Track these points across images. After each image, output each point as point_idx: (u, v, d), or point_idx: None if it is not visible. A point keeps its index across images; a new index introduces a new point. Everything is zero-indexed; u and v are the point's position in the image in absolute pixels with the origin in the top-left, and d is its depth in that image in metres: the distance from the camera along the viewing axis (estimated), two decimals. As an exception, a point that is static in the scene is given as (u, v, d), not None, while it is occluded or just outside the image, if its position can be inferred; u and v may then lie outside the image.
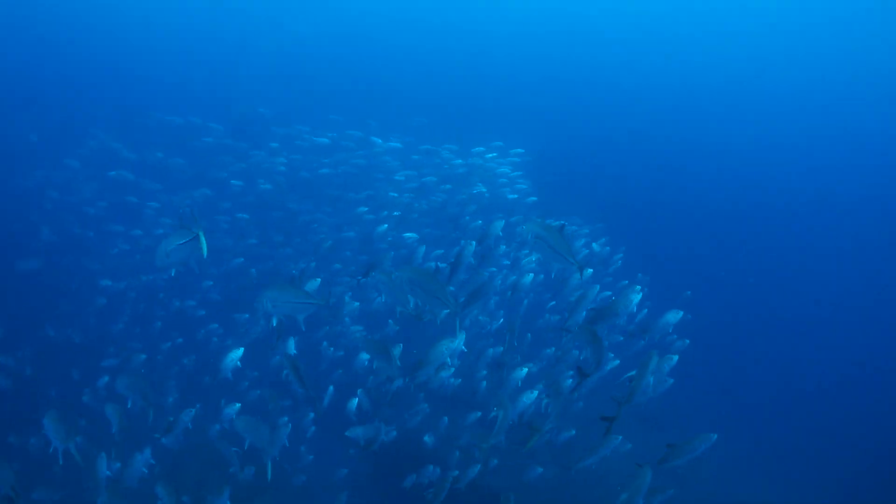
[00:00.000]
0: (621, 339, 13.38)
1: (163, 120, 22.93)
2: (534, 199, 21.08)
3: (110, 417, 9.05)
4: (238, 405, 10.36)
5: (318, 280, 10.89)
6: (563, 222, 7.83)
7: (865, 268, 29.40)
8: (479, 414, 11.08)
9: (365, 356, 11.56)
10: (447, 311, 12.65)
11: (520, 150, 23.39)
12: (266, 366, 12.87)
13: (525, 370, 10.10)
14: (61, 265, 17.11)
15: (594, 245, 16.29)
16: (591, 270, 11.81)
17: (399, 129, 24.82)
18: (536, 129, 29.62)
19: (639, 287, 8.43)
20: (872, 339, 23.99)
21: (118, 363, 12.74)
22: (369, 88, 35.35)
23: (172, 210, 19.22)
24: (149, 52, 40.42)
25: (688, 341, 10.39)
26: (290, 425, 9.74)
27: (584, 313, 10.05)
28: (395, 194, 20.33)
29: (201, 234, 7.35)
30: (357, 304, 12.70)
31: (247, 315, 14.28)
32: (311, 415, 11.19)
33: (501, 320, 13.65)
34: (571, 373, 11.20)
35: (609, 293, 15.81)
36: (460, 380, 11.68)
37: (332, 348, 13.24)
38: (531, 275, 11.46)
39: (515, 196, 20.93)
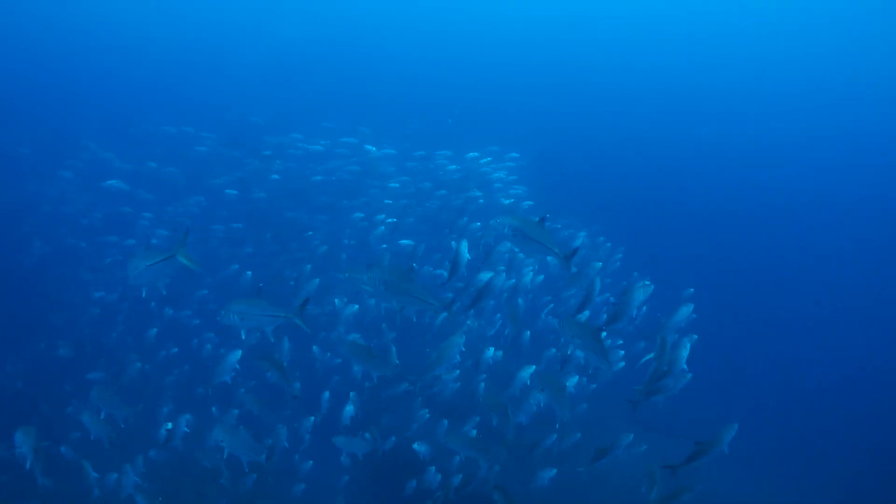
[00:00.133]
0: (620, 342, 13.28)
1: (155, 130, 22.83)
2: (530, 203, 20.97)
3: (88, 427, 8.99)
4: (236, 411, 10.20)
5: (316, 280, 10.78)
6: (544, 215, 7.72)
7: (865, 268, 29.35)
8: (478, 419, 10.91)
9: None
10: (444, 313, 12.55)
11: (514, 155, 23.37)
12: (263, 374, 12.67)
13: (533, 368, 10.00)
14: (54, 277, 16.90)
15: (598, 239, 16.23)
16: (601, 264, 11.72)
17: (393, 135, 24.80)
18: (531, 133, 29.60)
19: (648, 282, 8.30)
20: (872, 339, 23.90)
21: (105, 375, 12.53)
22: (362, 95, 35.31)
23: (167, 220, 19.15)
24: (139, 62, 40.39)
25: (696, 336, 10.23)
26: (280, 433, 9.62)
27: (587, 312, 9.97)
28: (390, 201, 20.23)
29: (180, 256, 7.49)
30: (356, 306, 12.51)
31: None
32: (312, 419, 11.00)
33: (499, 323, 13.49)
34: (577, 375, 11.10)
35: (608, 295, 15.87)
36: (459, 383, 11.52)
37: (328, 353, 13.08)
38: (531, 274, 11.36)
39: (511, 201, 20.82)
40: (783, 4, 48.11)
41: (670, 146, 35.87)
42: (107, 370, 13.31)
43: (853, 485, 15.06)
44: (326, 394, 11.01)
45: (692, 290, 11.61)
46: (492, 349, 11.26)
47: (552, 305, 15.09)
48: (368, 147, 22.64)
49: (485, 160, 22.53)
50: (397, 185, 21.04)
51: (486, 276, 10.14)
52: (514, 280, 12.40)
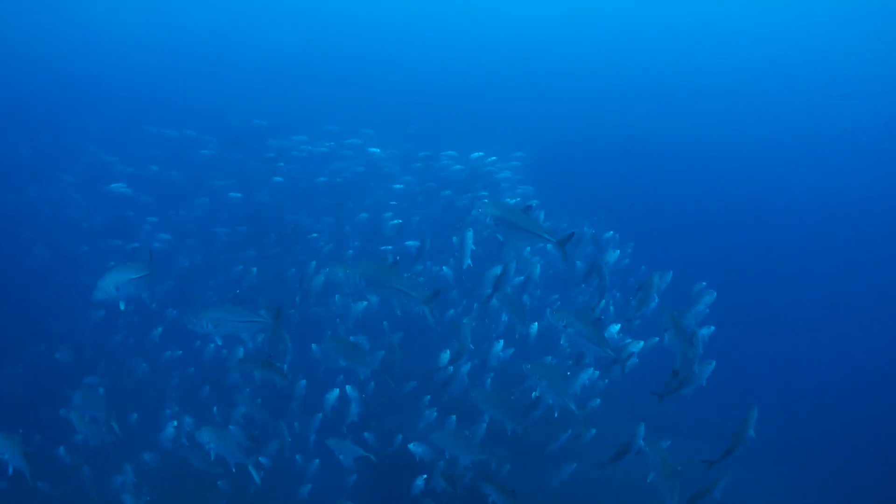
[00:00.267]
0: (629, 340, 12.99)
1: (157, 133, 22.76)
2: (536, 201, 20.73)
3: (77, 428, 8.89)
4: (243, 409, 9.98)
5: (321, 278, 10.56)
6: (530, 203, 7.46)
7: (865, 267, 28.98)
8: (488, 418, 10.65)
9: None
10: (451, 311, 12.31)
11: (520, 154, 23.19)
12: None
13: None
14: (54, 280, 16.76)
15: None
16: (618, 252, 11.48)
17: (396, 136, 24.69)
18: (536, 132, 29.51)
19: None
20: (873, 338, 23.50)
21: (101, 380, 12.37)
22: (365, 97, 35.27)
23: (170, 224, 19.06)
24: (140, 65, 40.47)
25: (713, 328, 10.04)
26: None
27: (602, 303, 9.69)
28: (395, 202, 20.06)
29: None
30: (364, 304, 12.28)
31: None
32: (320, 415, 10.78)
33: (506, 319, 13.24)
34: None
35: (615, 291, 15.62)
36: (468, 380, 11.27)
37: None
38: (538, 268, 11.14)
39: (517, 199, 20.61)
40: (782, 4, 48.07)
41: (674, 143, 35.76)
42: (108, 373, 13.15)
43: (853, 485, 14.75)
44: (336, 391, 10.76)
45: (704, 283, 11.35)
46: (501, 342, 11.02)
47: (559, 303, 14.86)
48: (373, 149, 22.51)
49: (490, 159, 22.37)
50: (401, 185, 20.87)
51: (498, 268, 9.87)
52: (522, 277, 12.22)
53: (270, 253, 17.73)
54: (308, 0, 51.72)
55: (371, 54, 47.55)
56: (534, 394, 9.51)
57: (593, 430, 10.60)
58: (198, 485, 10.10)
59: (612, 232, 16.16)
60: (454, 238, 12.92)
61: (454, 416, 10.31)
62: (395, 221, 18.11)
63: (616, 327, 11.92)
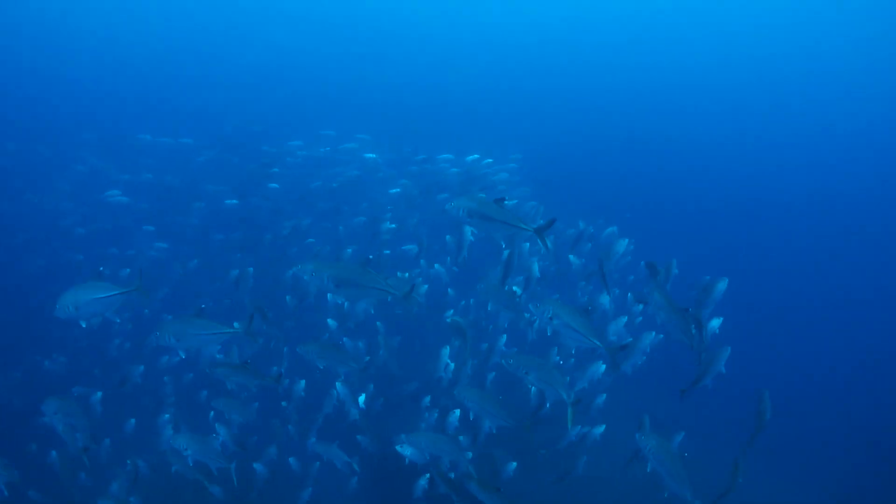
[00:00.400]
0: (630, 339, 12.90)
1: (152, 142, 22.73)
2: (533, 203, 20.68)
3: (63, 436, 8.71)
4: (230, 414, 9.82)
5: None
6: (503, 196, 7.39)
7: (865, 265, 28.93)
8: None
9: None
10: (451, 312, 12.17)
11: (517, 156, 23.17)
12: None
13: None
14: (50, 288, 16.62)
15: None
16: (627, 240, 11.42)
17: (393, 140, 24.65)
18: (533, 133, 29.51)
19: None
20: (874, 337, 23.39)
21: (88, 390, 12.18)
22: (361, 102, 35.27)
23: (166, 232, 18.99)
24: (133, 73, 40.42)
25: (722, 318, 9.97)
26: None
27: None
28: (391, 206, 19.99)
29: (136, 291, 7.25)
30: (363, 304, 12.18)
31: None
32: (319, 419, 10.66)
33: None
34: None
35: (617, 290, 15.52)
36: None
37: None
38: (536, 265, 11.05)
39: (515, 201, 20.53)
40: (780, 3, 48.25)
41: (673, 142, 35.78)
42: (106, 379, 13.00)
43: (853, 484, 14.62)
44: (338, 385, 10.62)
45: (708, 277, 11.28)
46: (504, 336, 10.92)
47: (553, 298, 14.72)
48: (369, 155, 22.49)
49: (486, 161, 22.36)
50: (398, 189, 20.80)
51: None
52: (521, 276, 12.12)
53: (266, 257, 17.62)
54: (303, 4, 51.75)
55: (366, 58, 47.63)
56: (532, 389, 9.35)
57: (602, 426, 10.49)
58: (193, 491, 9.95)
59: (614, 227, 16.12)
60: (447, 237, 12.92)
61: (458, 411, 10.17)
62: (391, 226, 18.06)
63: (623, 320, 11.88)
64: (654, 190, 29.37)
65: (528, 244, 12.09)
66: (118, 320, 7.71)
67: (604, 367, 10.68)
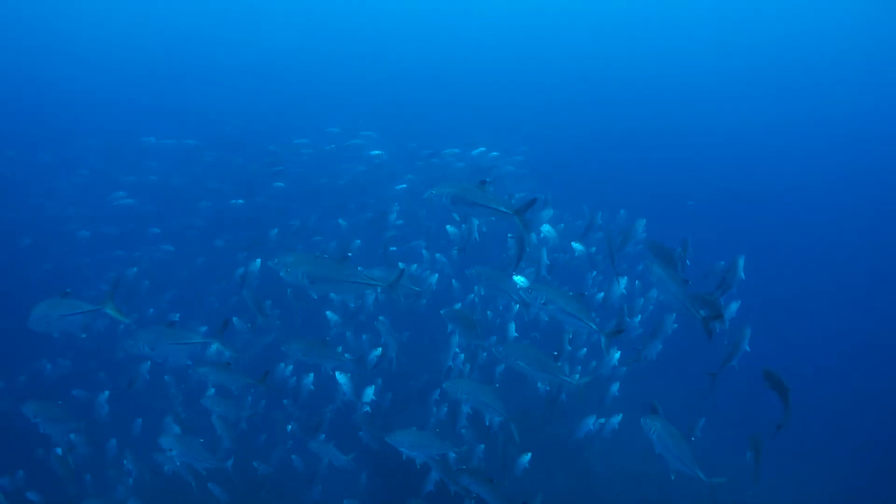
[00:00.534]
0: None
1: (157, 143, 22.72)
2: (542, 195, 20.45)
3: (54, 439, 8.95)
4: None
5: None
6: (485, 179, 7.30)
7: (867, 263, 28.44)
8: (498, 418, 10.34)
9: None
10: (459, 306, 11.91)
11: (524, 148, 23.02)
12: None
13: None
14: (57, 291, 16.56)
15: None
16: (644, 220, 11.31)
17: (399, 135, 24.54)
18: (539, 126, 29.32)
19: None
20: (875, 335, 22.94)
21: (88, 393, 12.15)
22: (366, 98, 35.21)
23: (171, 231, 18.94)
24: (137, 74, 40.52)
25: (740, 301, 9.83)
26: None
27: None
28: (398, 203, 19.82)
29: (109, 309, 7.42)
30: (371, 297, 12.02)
31: (248, 325, 13.61)
32: (328, 413, 10.50)
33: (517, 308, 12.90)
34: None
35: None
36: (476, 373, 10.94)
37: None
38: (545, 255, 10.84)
39: (522, 194, 20.33)
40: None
41: (676, 134, 35.52)
42: (113, 381, 12.90)
43: (853, 484, 14.37)
44: (338, 376, 10.44)
45: (722, 262, 11.13)
46: (513, 324, 10.73)
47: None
48: (374, 151, 22.37)
49: (492, 155, 22.22)
50: (405, 185, 20.64)
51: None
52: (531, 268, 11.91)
53: (273, 254, 17.45)
54: (305, 3, 51.82)
55: (370, 56, 47.60)
56: (539, 385, 9.18)
57: (620, 415, 10.29)
58: (195, 492, 9.81)
59: (622, 210, 15.92)
60: (448, 227, 12.72)
61: (466, 409, 9.97)
62: (399, 222, 17.89)
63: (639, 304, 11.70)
64: (660, 181, 29.05)
65: (533, 235, 11.92)
66: (83, 335, 7.83)
67: (619, 354, 10.52)
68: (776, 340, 21.38)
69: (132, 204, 19.61)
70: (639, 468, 12.27)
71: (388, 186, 20.71)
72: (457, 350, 10.19)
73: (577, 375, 10.12)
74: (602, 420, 10.46)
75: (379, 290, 7.45)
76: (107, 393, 11.46)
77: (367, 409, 10.32)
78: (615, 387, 10.94)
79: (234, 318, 13.00)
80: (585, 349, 11.36)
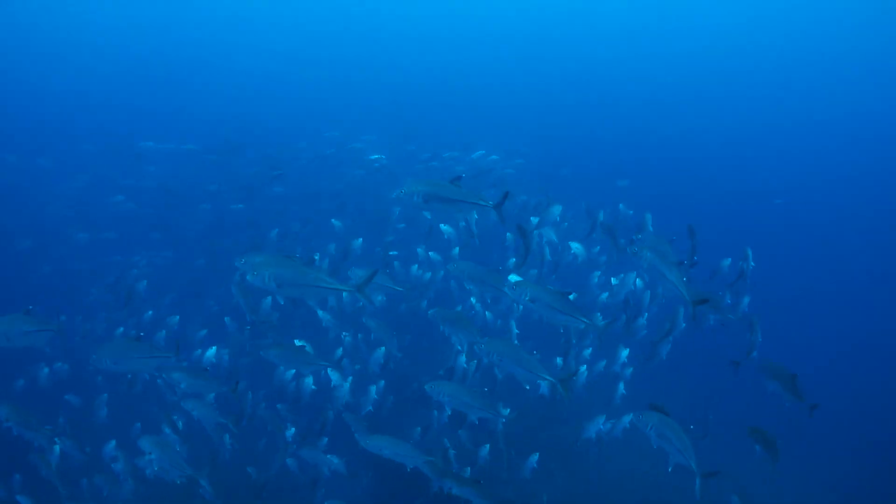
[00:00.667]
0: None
1: (155, 148, 22.68)
2: (542, 198, 20.35)
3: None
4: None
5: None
6: (459, 175, 7.18)
7: (867, 261, 28.37)
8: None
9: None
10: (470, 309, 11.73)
11: (524, 150, 22.99)
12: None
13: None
14: (56, 295, 16.47)
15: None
16: (650, 215, 11.21)
17: (398, 139, 24.50)
18: (539, 128, 29.28)
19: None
20: (876, 333, 22.83)
21: (81, 399, 12.14)
22: (364, 102, 35.17)
23: (172, 236, 18.84)
24: (136, 79, 40.45)
25: (749, 297, 9.80)
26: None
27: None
28: (399, 207, 19.73)
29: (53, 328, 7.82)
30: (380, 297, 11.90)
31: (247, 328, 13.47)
32: (330, 415, 10.36)
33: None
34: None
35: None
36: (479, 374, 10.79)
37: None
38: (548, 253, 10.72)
39: (524, 197, 20.23)
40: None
41: (682, 134, 35.54)
42: (110, 387, 12.75)
43: (854, 484, 14.31)
44: (346, 384, 10.34)
45: (729, 259, 11.02)
46: (513, 322, 10.60)
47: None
48: (374, 155, 22.30)
49: (492, 158, 22.17)
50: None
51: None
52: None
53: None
54: (304, 7, 51.89)
55: (368, 60, 47.60)
56: (527, 385, 9.01)
57: (630, 415, 10.18)
58: (186, 494, 9.69)
59: (620, 205, 15.82)
60: (441, 226, 12.59)
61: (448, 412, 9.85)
62: (400, 225, 17.81)
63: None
64: (661, 181, 28.97)
65: (537, 231, 11.79)
66: (48, 349, 8.29)
67: (627, 350, 10.39)
68: (776, 340, 21.32)
69: (131, 208, 19.53)
70: (641, 470, 12.13)
71: (388, 190, 20.59)
72: (458, 348, 10.04)
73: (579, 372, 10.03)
74: (611, 421, 10.30)
75: (344, 295, 7.33)
76: (105, 396, 11.38)
77: (370, 408, 10.18)
78: (621, 386, 10.80)
79: (227, 319, 12.89)
80: (591, 349, 11.21)
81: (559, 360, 10.60)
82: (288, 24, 52.94)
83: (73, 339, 14.21)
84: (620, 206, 15.82)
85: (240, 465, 10.67)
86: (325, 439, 10.56)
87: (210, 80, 42.15)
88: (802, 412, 8.80)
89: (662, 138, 34.57)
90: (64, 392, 12.81)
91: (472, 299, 12.29)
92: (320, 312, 11.90)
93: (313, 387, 10.54)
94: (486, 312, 12.39)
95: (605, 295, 12.14)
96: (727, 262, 11.12)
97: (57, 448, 9.28)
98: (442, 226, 13.27)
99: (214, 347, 12.87)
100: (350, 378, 10.57)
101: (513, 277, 8.59)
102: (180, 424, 10.39)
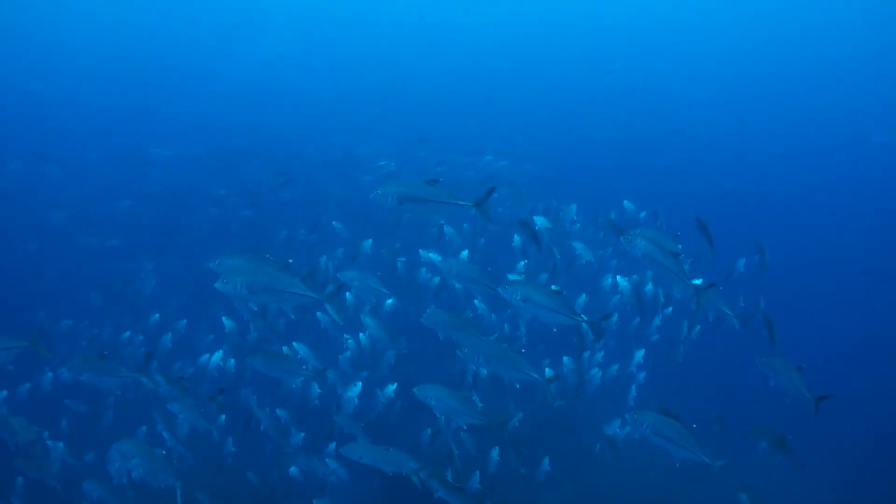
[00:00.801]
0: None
1: (162, 154, 22.74)
2: (553, 201, 20.20)
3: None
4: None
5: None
6: (436, 178, 7.01)
7: (868, 261, 27.93)
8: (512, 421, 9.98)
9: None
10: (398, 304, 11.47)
11: (533, 153, 22.90)
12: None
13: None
14: (61, 300, 16.42)
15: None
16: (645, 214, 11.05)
17: (407, 144, 24.45)
18: (548, 133, 29.18)
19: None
20: (877, 332, 22.41)
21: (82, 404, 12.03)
22: (371, 107, 35.20)
23: (178, 242, 18.80)
24: (138, 89, 40.59)
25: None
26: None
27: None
28: (408, 214, 19.59)
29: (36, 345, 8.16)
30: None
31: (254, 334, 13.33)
32: (338, 416, 10.19)
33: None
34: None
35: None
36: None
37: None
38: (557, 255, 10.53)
39: (534, 203, 20.10)
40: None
41: (683, 137, 35.29)
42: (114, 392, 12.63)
43: (855, 483, 13.93)
44: (357, 387, 10.15)
45: (743, 260, 10.84)
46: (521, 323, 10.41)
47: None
48: (382, 162, 22.25)
49: (501, 163, 22.09)
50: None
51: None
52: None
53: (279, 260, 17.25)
54: (310, 14, 52.13)
55: (376, 66, 47.71)
56: (517, 385, 8.80)
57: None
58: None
59: (626, 201, 15.65)
60: (446, 228, 12.43)
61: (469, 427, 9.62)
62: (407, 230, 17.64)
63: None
64: (664, 182, 28.77)
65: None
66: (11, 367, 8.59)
67: (642, 351, 10.20)
68: (777, 340, 21.00)
69: (138, 213, 19.53)
70: (649, 474, 11.90)
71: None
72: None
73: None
74: (626, 427, 10.07)
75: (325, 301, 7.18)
76: (112, 399, 11.28)
77: (380, 410, 10.02)
78: (633, 389, 10.59)
79: (230, 323, 12.77)
80: (603, 351, 11.00)
81: (566, 360, 10.41)
82: (297, 32, 53.15)
83: (79, 343, 14.16)
84: (626, 202, 15.62)
85: (243, 472, 10.50)
86: (333, 444, 10.40)
87: (218, 85, 42.30)
88: (807, 407, 8.47)
89: (668, 140, 34.41)
90: (64, 397, 12.77)
91: (476, 301, 12.11)
92: (319, 314, 11.77)
93: (319, 391, 10.39)
94: (492, 315, 12.20)
95: (616, 297, 11.93)
96: (742, 261, 10.91)
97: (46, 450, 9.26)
98: (446, 228, 13.10)
99: (220, 352, 12.81)
100: (359, 384, 10.40)
101: (511, 277, 8.42)
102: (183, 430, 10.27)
